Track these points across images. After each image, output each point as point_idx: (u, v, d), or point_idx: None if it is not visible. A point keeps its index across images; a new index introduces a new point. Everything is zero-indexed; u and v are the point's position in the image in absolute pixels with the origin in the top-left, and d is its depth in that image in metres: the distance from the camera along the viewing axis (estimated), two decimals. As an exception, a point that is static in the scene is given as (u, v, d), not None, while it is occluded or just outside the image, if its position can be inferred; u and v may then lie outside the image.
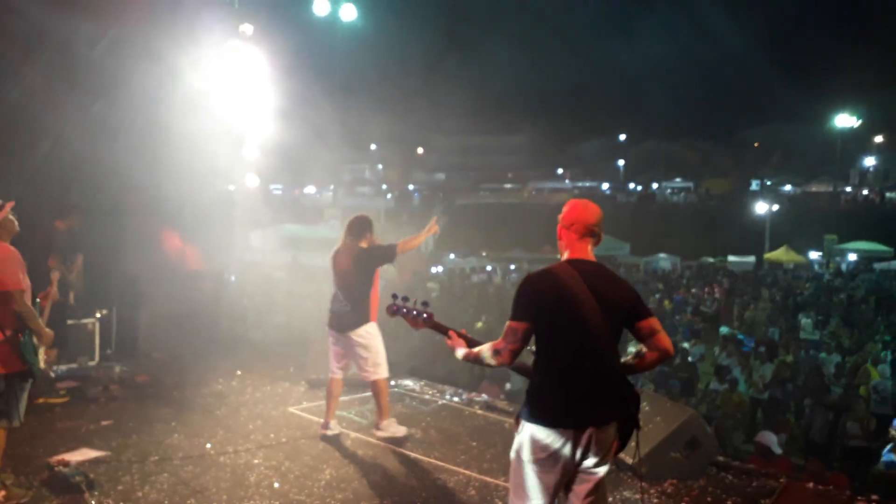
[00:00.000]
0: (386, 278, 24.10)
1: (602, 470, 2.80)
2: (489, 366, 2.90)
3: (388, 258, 5.43)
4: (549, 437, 2.71)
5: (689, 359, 11.20)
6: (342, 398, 5.87)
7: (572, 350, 2.73)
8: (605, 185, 61.57)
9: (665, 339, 2.80)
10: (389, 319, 3.38)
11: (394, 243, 5.44)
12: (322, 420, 5.61)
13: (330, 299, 5.52)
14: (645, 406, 5.27)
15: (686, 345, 12.13)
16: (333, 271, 5.48)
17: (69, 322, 7.78)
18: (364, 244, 5.40)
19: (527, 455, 2.75)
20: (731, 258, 32.80)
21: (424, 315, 3.12)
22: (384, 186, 55.67)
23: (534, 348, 2.83)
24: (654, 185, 59.95)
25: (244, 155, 10.66)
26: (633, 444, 2.96)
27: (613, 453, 2.87)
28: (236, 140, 10.56)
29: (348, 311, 5.34)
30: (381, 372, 5.43)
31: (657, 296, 21.23)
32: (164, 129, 9.53)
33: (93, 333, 8.09)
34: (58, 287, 5.46)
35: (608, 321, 2.73)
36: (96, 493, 4.19)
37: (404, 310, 3.14)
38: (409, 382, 7.57)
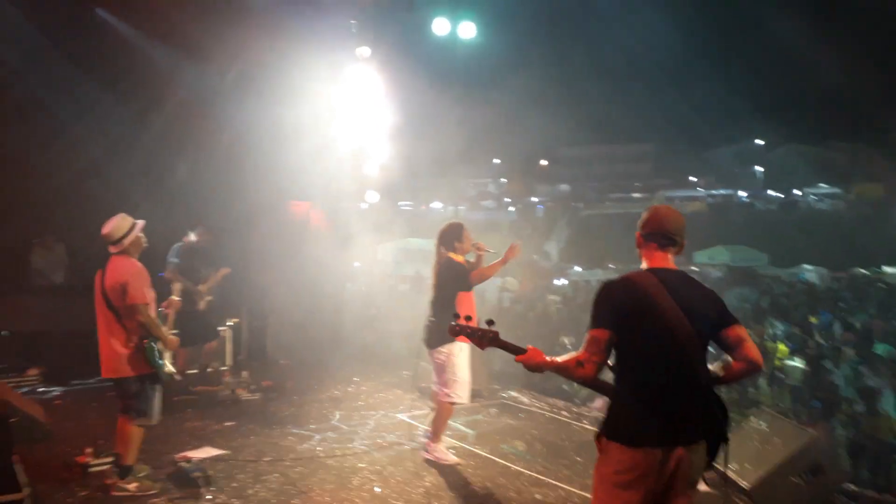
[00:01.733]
0: (508, 289, 24.08)
1: (693, 491, 2.63)
2: (573, 379, 2.70)
3: (462, 285, 5.07)
4: (632, 457, 2.52)
5: (834, 379, 10.32)
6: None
7: (656, 361, 2.57)
8: (742, 193, 58.12)
9: (753, 349, 2.62)
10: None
11: (470, 272, 5.14)
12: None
13: None
14: (762, 425, 4.96)
15: (827, 363, 11.19)
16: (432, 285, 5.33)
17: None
18: (451, 253, 5.21)
19: (610, 476, 2.57)
20: (886, 269, 29.90)
21: (490, 335, 2.86)
22: (507, 200, 55.78)
23: (611, 362, 2.66)
24: (797, 192, 55.87)
25: (366, 173, 11.11)
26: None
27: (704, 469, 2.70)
28: (359, 159, 11.04)
29: (430, 325, 5.14)
30: (452, 396, 5.08)
31: (800, 310, 19.74)
32: (289, 151, 10.13)
33: (225, 340, 8.69)
34: (184, 297, 5.96)
35: (695, 330, 2.57)
36: (212, 488, 4.51)
37: (468, 330, 2.92)
38: (517, 394, 7.53)
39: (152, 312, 4.42)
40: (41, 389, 7.14)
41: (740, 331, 2.64)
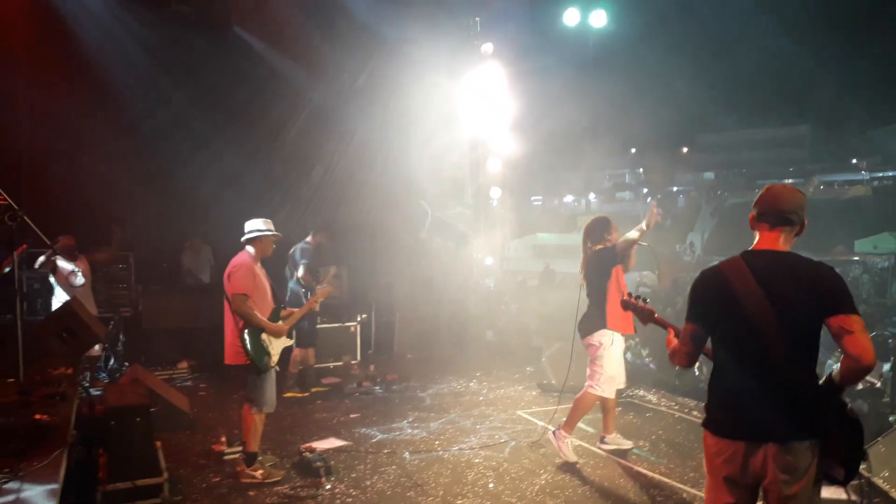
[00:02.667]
0: (646, 284, 23.23)
1: (793, 492, 2.39)
2: (676, 366, 2.79)
3: (610, 260, 5.04)
4: (717, 445, 2.51)
5: None
6: (569, 405, 5.76)
7: (737, 353, 2.48)
8: (914, 174, 52.23)
9: (855, 343, 2.29)
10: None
11: (615, 243, 5.12)
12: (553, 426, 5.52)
13: None
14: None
15: None
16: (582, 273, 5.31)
17: (335, 325, 8.84)
18: (600, 246, 5.15)
19: (706, 462, 2.60)
20: None
21: (648, 311, 3.20)
22: (644, 190, 53.74)
23: None
24: (980, 170, 49.37)
25: (490, 169, 11.14)
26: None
27: (824, 479, 2.44)
28: (483, 155, 11.09)
29: (585, 316, 5.20)
30: (597, 388, 5.07)
31: None
32: (417, 151, 10.36)
33: (355, 335, 9.04)
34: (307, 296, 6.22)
35: (783, 319, 2.37)
36: (332, 478, 4.68)
37: (632, 304, 3.28)
38: (645, 393, 7.21)
39: (261, 305, 4.56)
40: (189, 381, 7.77)
41: (844, 320, 2.32)
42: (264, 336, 4.55)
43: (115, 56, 9.14)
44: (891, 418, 5.75)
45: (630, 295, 3.38)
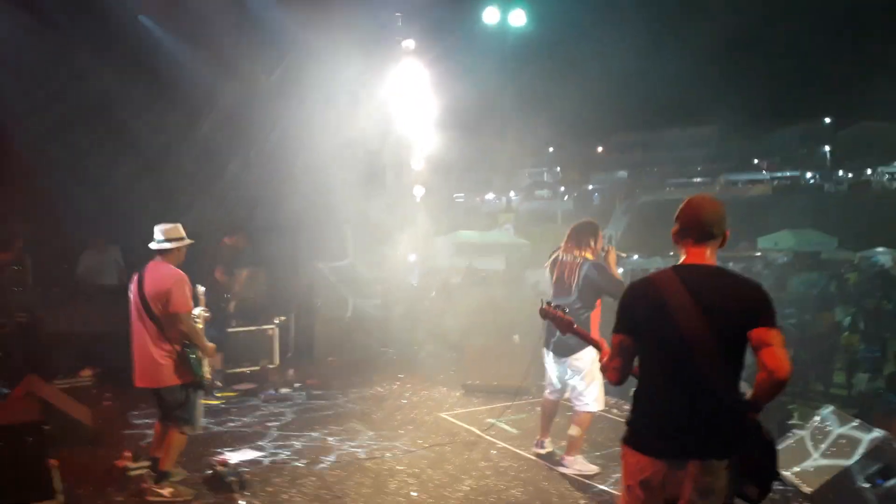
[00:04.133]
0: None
1: None
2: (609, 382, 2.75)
3: (615, 290, 4.58)
4: (639, 463, 2.45)
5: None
6: (494, 405, 5.75)
7: (667, 367, 2.43)
8: (809, 175, 55.73)
9: (774, 356, 2.27)
10: None
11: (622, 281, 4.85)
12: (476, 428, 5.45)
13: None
14: (828, 426, 4.61)
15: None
16: (554, 283, 4.96)
17: (251, 329, 8.52)
18: (589, 254, 4.87)
19: (623, 479, 2.55)
20: (968, 250, 28.11)
21: (565, 321, 3.20)
22: (562, 189, 55.01)
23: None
24: (868, 172, 53.17)
25: (413, 166, 11.02)
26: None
27: (737, 497, 2.43)
28: (408, 152, 10.96)
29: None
30: (592, 404, 4.86)
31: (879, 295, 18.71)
32: (339, 147, 10.10)
33: (272, 339, 8.71)
34: (222, 298, 5.93)
35: (715, 334, 2.34)
36: (247, 493, 4.46)
37: (552, 314, 3.25)
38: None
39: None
40: (94, 391, 7.28)
41: (764, 333, 2.31)
42: (199, 352, 4.35)
43: (11, 40, 8.46)
44: (791, 421, 5.96)
45: (549, 304, 3.29)
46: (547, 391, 5.14)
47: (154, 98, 9.19)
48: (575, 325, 3.20)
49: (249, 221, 9.50)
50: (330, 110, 9.90)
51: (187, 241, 4.56)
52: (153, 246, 4.44)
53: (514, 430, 5.91)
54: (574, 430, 4.93)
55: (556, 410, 5.18)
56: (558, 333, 4.56)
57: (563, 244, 4.97)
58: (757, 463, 2.40)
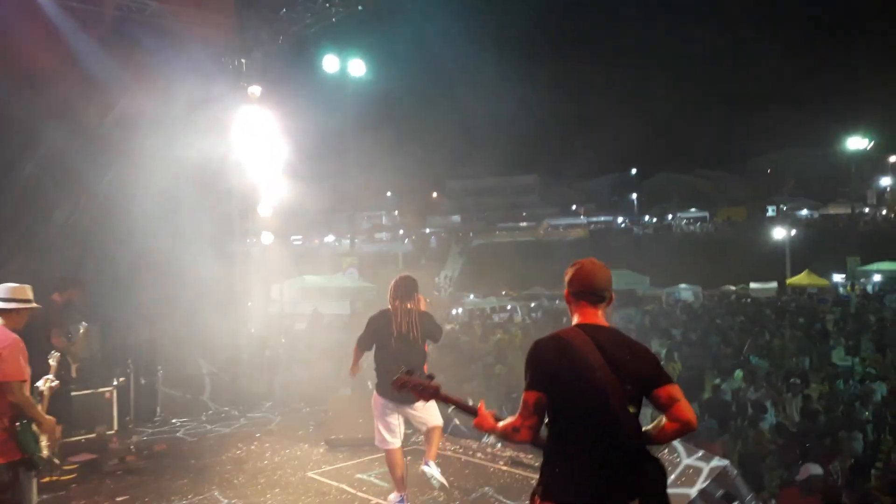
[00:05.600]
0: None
1: None
2: (514, 443, 2.83)
3: (440, 338, 5.27)
4: None
5: (722, 395, 10.88)
6: (361, 458, 5.71)
7: (585, 421, 2.52)
8: (620, 219, 61.42)
9: (686, 410, 2.53)
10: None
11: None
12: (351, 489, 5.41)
13: (383, 370, 4.96)
14: (675, 457, 5.08)
15: (717, 381, 11.82)
16: (395, 337, 5.00)
17: (86, 392, 7.77)
18: (420, 306, 5.15)
19: None
20: (753, 285, 32.33)
21: (433, 388, 2.97)
22: (401, 231, 55.96)
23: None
24: (669, 217, 59.64)
25: (259, 213, 10.77)
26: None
27: None
28: (251, 199, 10.68)
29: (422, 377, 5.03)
30: (438, 418, 5.16)
31: (678, 331, 20.89)
32: (177, 195, 9.62)
33: (111, 402, 8.00)
34: (59, 363, 5.36)
35: (624, 390, 2.51)
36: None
37: (411, 384, 3.00)
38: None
39: (27, 391, 3.93)
40: None
41: (673, 390, 2.55)
42: (34, 426, 3.85)
43: None
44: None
45: (403, 375, 3.02)
46: (391, 444, 5.07)
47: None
48: (442, 391, 2.96)
49: (78, 273, 8.75)
50: (170, 156, 9.44)
51: (33, 305, 4.17)
52: None
53: (385, 484, 5.87)
54: (437, 441, 5.15)
55: (402, 459, 5.16)
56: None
57: (391, 300, 5.10)
58: (656, 490, 2.54)
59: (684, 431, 2.56)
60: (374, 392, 5.09)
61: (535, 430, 2.61)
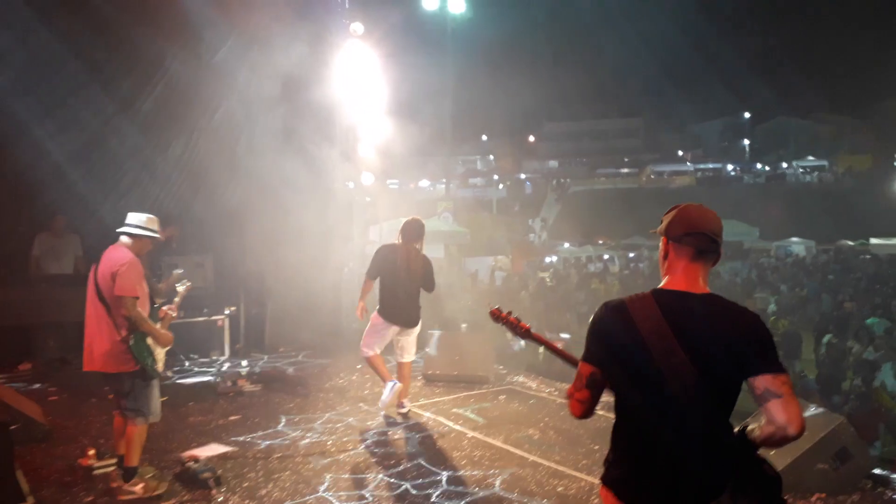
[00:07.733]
0: (501, 268, 23.75)
1: None
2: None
3: (432, 287, 6.02)
4: None
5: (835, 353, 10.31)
6: (457, 395, 5.88)
7: (644, 408, 2.09)
8: (730, 167, 58.23)
9: (787, 409, 1.94)
10: None
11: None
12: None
13: (387, 294, 5.85)
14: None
15: (827, 338, 11.18)
16: (399, 269, 5.78)
17: (200, 319, 8.27)
18: (419, 246, 5.88)
19: None
20: (873, 241, 30.03)
21: (523, 327, 2.81)
22: (496, 177, 55.53)
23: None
24: (784, 165, 56.01)
25: (360, 153, 10.87)
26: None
27: None
28: (352, 139, 10.79)
29: (416, 308, 5.93)
30: (413, 356, 6.15)
31: (785, 286, 19.88)
32: (284, 131, 9.85)
33: (222, 330, 8.49)
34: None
35: (699, 373, 2.01)
36: (223, 489, 4.34)
37: (506, 319, 2.85)
38: (524, 379, 7.40)
39: (142, 307, 4.18)
40: (37, 385, 6.90)
41: (772, 381, 1.97)
42: (149, 339, 4.13)
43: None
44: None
45: (500, 309, 2.92)
46: (373, 351, 5.92)
47: (93, 72, 8.71)
48: (534, 332, 2.83)
49: (191, 207, 9.19)
50: (276, 92, 9.65)
51: (158, 236, 4.43)
52: (121, 229, 4.27)
53: (480, 419, 5.96)
54: (405, 381, 6.02)
55: (381, 359, 6.00)
56: (406, 305, 5.85)
57: (400, 236, 5.87)
58: (757, 501, 2.05)
59: (777, 437, 1.97)
60: (375, 312, 5.94)
61: (586, 405, 2.23)
